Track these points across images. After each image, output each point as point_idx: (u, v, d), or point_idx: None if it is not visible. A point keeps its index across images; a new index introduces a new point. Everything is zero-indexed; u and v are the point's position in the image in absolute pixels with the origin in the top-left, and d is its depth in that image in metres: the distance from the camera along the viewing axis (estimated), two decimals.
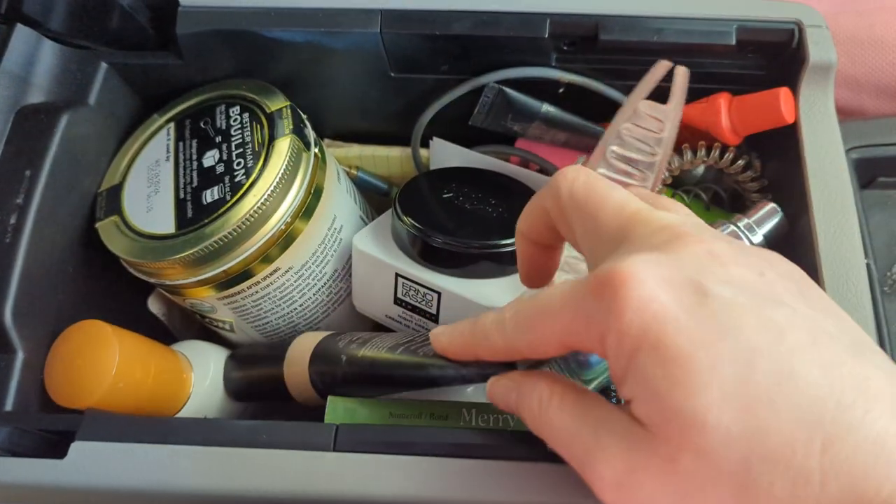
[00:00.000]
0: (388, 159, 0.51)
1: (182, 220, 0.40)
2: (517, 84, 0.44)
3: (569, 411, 0.26)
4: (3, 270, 0.37)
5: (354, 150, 0.51)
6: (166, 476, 0.32)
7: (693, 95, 0.44)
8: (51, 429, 0.34)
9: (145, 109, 0.47)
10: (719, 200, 0.48)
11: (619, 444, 0.24)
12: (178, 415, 0.40)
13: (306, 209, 0.41)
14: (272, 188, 0.39)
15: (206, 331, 0.47)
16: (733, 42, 0.40)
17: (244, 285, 0.41)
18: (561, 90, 0.44)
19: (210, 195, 0.40)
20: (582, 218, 0.27)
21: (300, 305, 0.44)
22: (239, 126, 0.42)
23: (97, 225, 0.42)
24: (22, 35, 0.41)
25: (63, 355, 0.37)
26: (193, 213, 0.40)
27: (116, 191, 0.43)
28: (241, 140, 0.42)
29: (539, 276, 0.34)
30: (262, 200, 0.39)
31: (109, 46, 0.45)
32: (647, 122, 0.35)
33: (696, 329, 0.22)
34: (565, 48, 0.42)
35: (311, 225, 0.41)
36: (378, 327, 0.46)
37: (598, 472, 0.24)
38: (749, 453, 0.21)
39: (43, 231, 0.39)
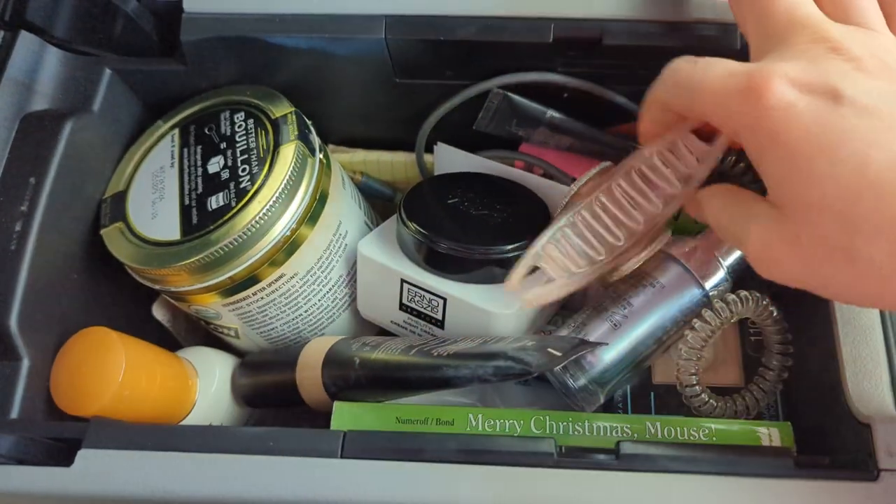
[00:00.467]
0: (392, 165, 0.51)
1: (187, 227, 0.40)
2: (522, 89, 0.44)
3: (731, 206, 0.32)
4: (9, 278, 0.37)
5: (359, 156, 0.51)
6: (174, 484, 0.32)
7: None
8: (57, 436, 0.34)
9: (149, 116, 0.47)
10: None
11: (762, 223, 0.29)
12: (184, 421, 0.40)
13: (311, 215, 0.41)
14: (277, 194, 0.39)
15: (211, 337, 0.47)
16: (738, 47, 0.40)
17: (249, 291, 0.41)
18: (566, 95, 0.44)
19: (215, 201, 0.40)
20: (755, 8, 0.31)
21: (305, 311, 0.44)
22: (244, 132, 0.42)
23: (102, 232, 0.42)
24: (26, 42, 0.42)
25: (69, 362, 0.37)
26: (198, 219, 0.40)
27: (121, 197, 0.43)
28: (245, 146, 0.42)
29: None
30: (267, 206, 0.39)
31: (114, 53, 0.45)
32: (685, 158, 0.35)
33: (823, 134, 0.26)
34: (570, 53, 0.42)
35: (316, 231, 0.41)
36: (383, 333, 0.46)
37: (747, 248, 0.30)
38: (855, 232, 0.25)
39: (48, 238, 0.39)
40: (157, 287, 0.42)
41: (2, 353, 0.36)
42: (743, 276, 0.41)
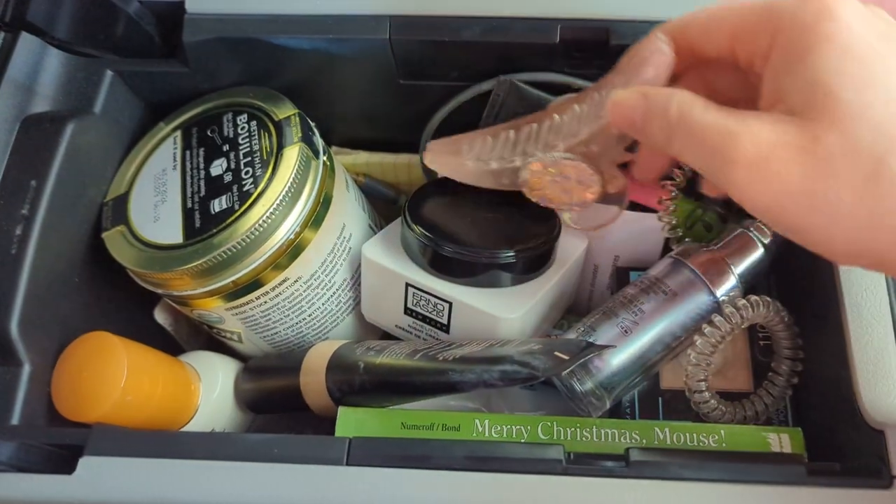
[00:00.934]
0: (395, 166, 0.50)
1: (190, 230, 0.39)
2: None
3: (715, 109, 0.28)
4: (9, 281, 0.36)
5: (362, 158, 0.50)
6: (177, 491, 0.31)
7: None
8: (59, 443, 0.34)
9: (151, 118, 0.46)
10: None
11: (766, 124, 0.26)
12: (187, 427, 0.40)
13: (315, 218, 0.41)
14: (281, 197, 0.39)
15: (213, 341, 0.47)
16: None
17: (253, 296, 0.41)
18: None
19: (218, 204, 0.40)
20: None
21: (309, 315, 0.43)
22: (246, 134, 0.42)
23: (103, 235, 0.42)
24: (27, 43, 0.41)
25: (70, 368, 0.36)
26: (201, 222, 0.39)
27: (123, 200, 0.42)
28: (248, 148, 0.41)
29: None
30: (271, 210, 0.38)
31: (115, 54, 0.44)
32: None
33: (878, 44, 0.25)
34: (576, 54, 0.42)
35: (320, 234, 0.41)
36: (387, 337, 0.46)
37: (740, 149, 0.26)
38: (890, 147, 0.24)
39: (49, 241, 0.38)
40: (159, 291, 0.41)
41: (2, 359, 0.36)
42: (753, 285, 0.40)
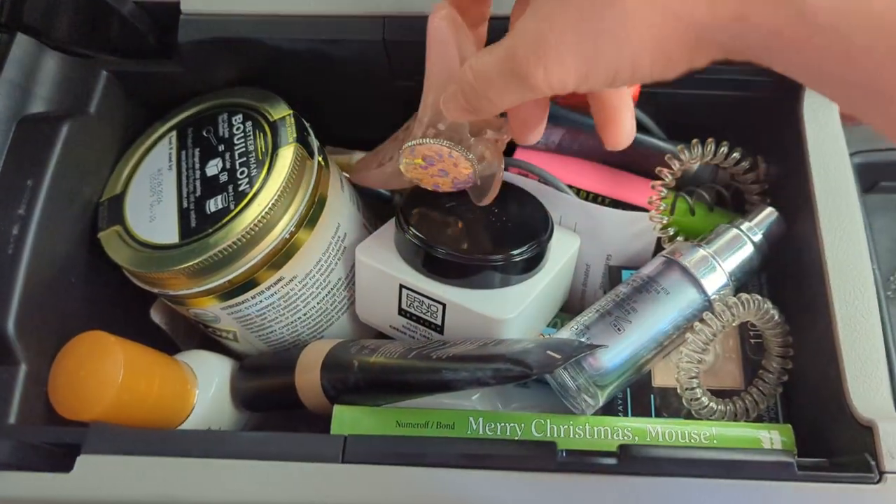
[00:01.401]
0: None
1: (185, 230, 0.40)
2: None
3: (486, 51, 0.29)
4: (6, 281, 0.37)
5: (357, 158, 0.51)
6: (175, 489, 0.32)
7: (701, 100, 0.44)
8: (56, 442, 0.34)
9: (147, 118, 0.47)
10: (721, 200, 0.48)
11: (528, 23, 0.27)
12: (183, 425, 0.40)
13: (310, 218, 0.41)
14: (276, 197, 0.39)
15: (209, 340, 0.47)
16: None
17: (248, 295, 0.41)
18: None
19: (213, 204, 0.40)
20: None
21: (304, 314, 0.44)
22: (242, 134, 0.42)
23: (99, 235, 0.42)
24: (22, 44, 0.41)
25: (67, 366, 0.36)
26: (197, 222, 0.39)
27: (119, 200, 0.43)
28: (244, 149, 0.41)
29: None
30: (266, 210, 0.38)
31: (111, 55, 0.44)
32: None
33: None
34: None
35: (314, 234, 0.41)
36: (381, 336, 0.46)
37: (519, 56, 0.27)
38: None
39: (45, 241, 0.38)
40: (154, 290, 0.42)
41: None
42: (745, 283, 0.41)
